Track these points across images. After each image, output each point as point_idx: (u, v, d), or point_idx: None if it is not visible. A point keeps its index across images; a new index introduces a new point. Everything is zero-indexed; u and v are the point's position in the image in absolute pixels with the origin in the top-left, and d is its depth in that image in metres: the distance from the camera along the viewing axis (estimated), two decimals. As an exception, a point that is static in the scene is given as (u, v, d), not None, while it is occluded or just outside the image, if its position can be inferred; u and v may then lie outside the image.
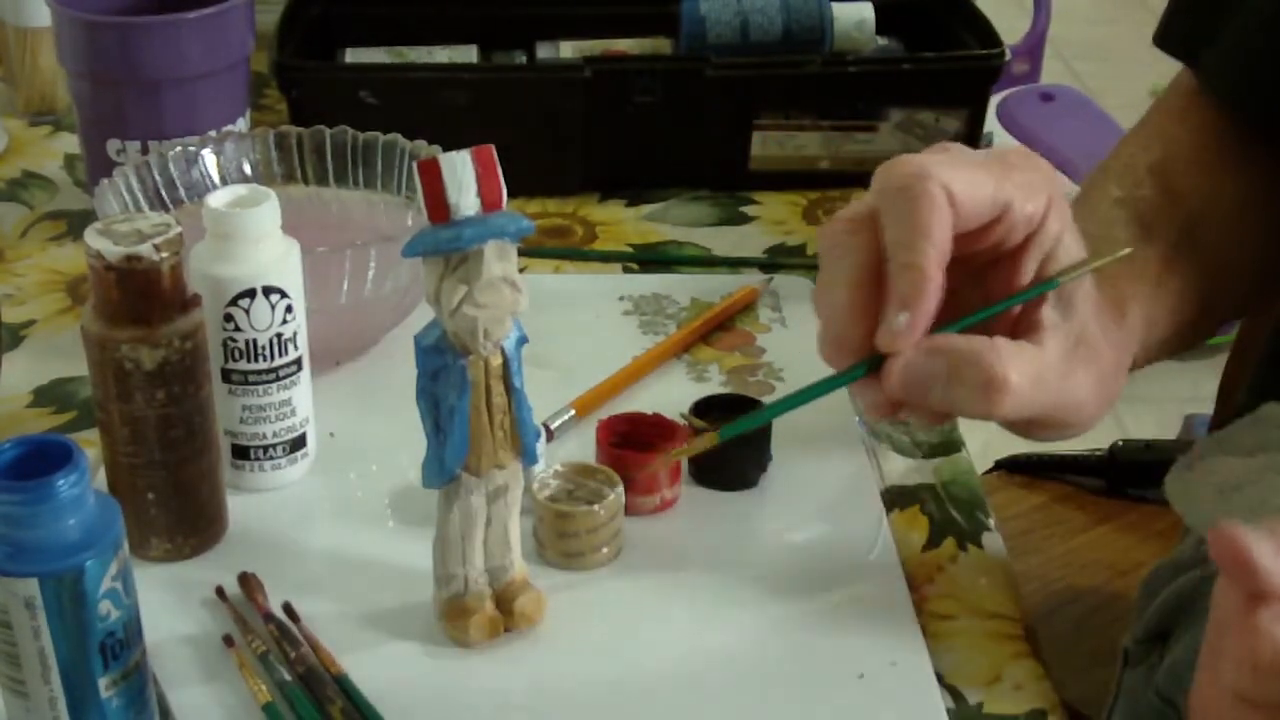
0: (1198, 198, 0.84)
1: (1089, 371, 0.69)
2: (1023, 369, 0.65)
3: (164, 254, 0.70)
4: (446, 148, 0.66)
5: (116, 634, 0.61)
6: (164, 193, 0.92)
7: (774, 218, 1.09)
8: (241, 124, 1.04)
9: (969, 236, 0.65)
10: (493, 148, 0.64)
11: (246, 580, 0.73)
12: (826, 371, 0.67)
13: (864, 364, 0.66)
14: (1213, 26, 0.87)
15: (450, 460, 0.67)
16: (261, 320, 0.76)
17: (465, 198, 0.63)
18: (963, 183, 0.64)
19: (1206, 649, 0.55)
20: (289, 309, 0.77)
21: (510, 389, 0.67)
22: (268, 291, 0.75)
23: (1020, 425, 0.72)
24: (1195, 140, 0.87)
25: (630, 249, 1.05)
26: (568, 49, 1.17)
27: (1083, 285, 0.69)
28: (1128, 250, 0.70)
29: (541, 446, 0.69)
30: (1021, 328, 0.68)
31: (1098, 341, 0.70)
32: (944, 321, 0.65)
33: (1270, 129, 0.85)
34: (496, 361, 0.66)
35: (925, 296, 0.63)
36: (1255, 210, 0.85)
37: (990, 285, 0.69)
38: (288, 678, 0.68)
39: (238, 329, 0.76)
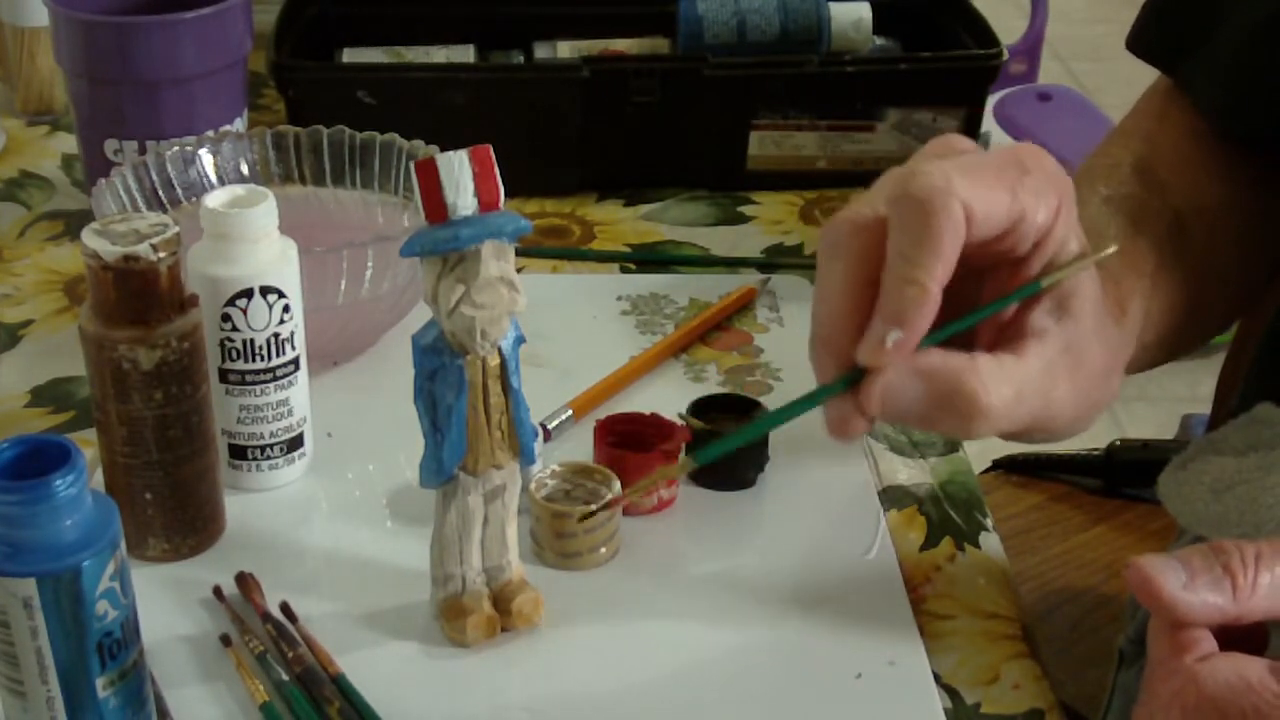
0: (1182, 195, 0.83)
1: (1073, 380, 0.67)
2: (1002, 390, 0.64)
3: (161, 254, 0.70)
4: (444, 148, 0.66)
5: (114, 634, 0.61)
6: (161, 193, 0.92)
7: (771, 217, 1.09)
8: (239, 124, 1.04)
9: (978, 245, 0.64)
10: (490, 148, 0.64)
11: (244, 580, 0.73)
12: None
13: (844, 380, 0.65)
14: (1191, 36, 0.86)
15: (448, 460, 0.67)
16: (259, 320, 0.76)
17: (462, 198, 0.63)
18: (982, 200, 0.62)
19: (1144, 689, 0.55)
20: (286, 309, 0.77)
21: (508, 389, 0.67)
22: (265, 291, 0.75)
23: (1000, 435, 0.71)
24: (1177, 140, 0.86)
25: (628, 249, 1.05)
26: (565, 49, 1.17)
27: (1082, 287, 0.67)
28: (1113, 249, 0.68)
29: (539, 446, 0.70)
30: (1010, 333, 0.67)
31: (1087, 347, 0.68)
32: (931, 325, 0.64)
33: (1258, 143, 0.85)
34: (494, 361, 0.66)
35: (922, 316, 0.62)
36: (1239, 212, 0.85)
37: (990, 287, 0.68)
38: (285, 677, 0.68)
39: (235, 329, 0.76)
